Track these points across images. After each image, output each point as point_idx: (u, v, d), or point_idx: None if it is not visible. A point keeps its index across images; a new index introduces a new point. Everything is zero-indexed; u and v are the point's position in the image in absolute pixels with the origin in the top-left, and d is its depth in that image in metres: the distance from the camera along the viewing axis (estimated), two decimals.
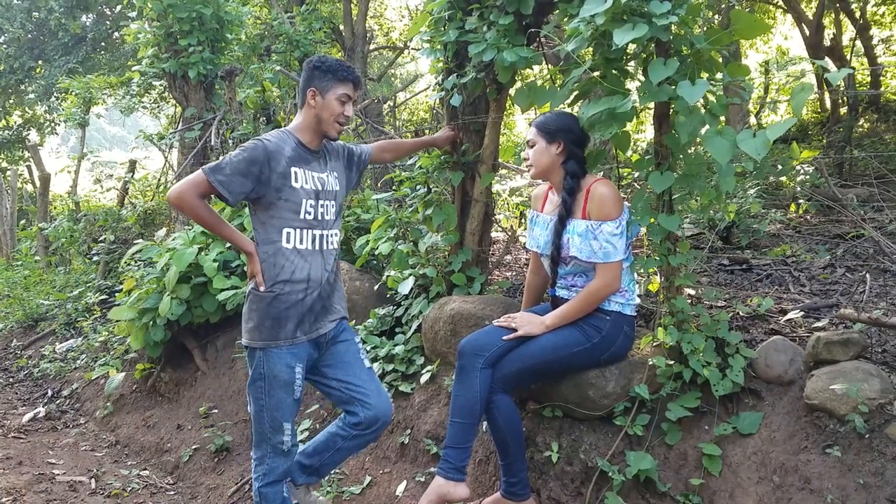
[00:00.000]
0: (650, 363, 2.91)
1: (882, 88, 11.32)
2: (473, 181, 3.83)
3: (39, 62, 15.16)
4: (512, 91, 3.55)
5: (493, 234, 4.99)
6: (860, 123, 10.22)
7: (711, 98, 2.60)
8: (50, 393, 6.40)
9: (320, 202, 2.83)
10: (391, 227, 4.43)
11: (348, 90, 2.79)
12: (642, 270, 3.09)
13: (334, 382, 2.93)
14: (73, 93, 10.47)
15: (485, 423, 3.14)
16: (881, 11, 11.74)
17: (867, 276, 3.40)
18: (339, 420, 2.98)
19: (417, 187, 4.14)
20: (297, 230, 2.77)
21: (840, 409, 2.53)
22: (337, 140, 2.94)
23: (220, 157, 2.73)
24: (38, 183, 11.15)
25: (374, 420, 2.87)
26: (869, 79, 11.22)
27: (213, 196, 2.72)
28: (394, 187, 4.51)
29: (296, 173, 2.75)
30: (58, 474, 4.42)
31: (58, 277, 9.12)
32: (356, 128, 7.43)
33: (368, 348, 4.08)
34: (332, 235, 2.90)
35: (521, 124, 11.08)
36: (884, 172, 6.31)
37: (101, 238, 8.40)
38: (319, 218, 2.83)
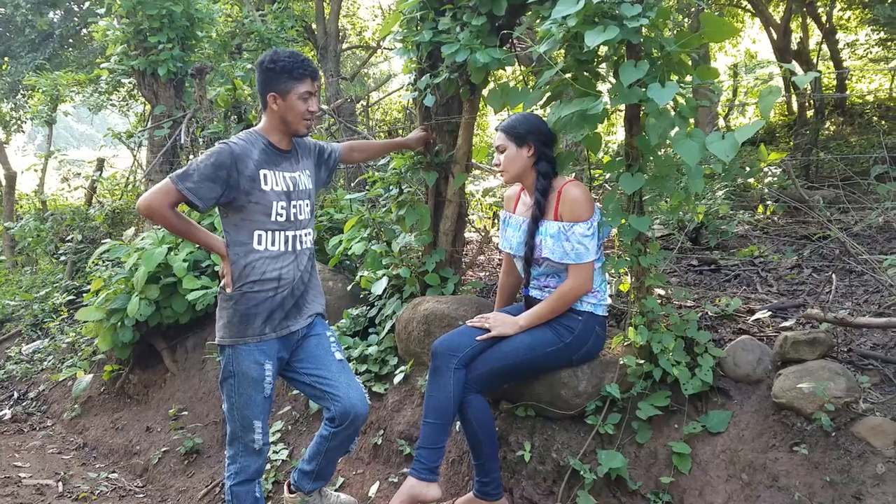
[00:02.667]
0: (621, 362, 2.94)
1: (848, 92, 11.53)
2: (447, 182, 3.83)
3: (6, 58, 14.89)
4: (485, 92, 3.55)
5: (467, 235, 4.99)
6: (826, 126, 10.40)
7: (681, 100, 2.63)
8: (16, 395, 6.28)
9: (293, 203, 2.80)
10: (364, 228, 4.41)
11: (307, 86, 2.73)
12: (613, 271, 3.12)
13: (305, 377, 2.89)
14: (41, 90, 10.29)
15: (458, 423, 3.14)
16: (847, 16, 11.96)
17: (833, 276, 3.46)
18: (323, 421, 2.96)
19: (390, 188, 4.13)
20: (269, 232, 2.74)
21: (807, 408, 2.57)
22: (307, 136, 2.92)
23: (188, 162, 2.69)
24: (3, 182, 10.94)
25: (346, 414, 2.79)
26: (835, 82, 11.42)
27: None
28: (367, 187, 4.49)
29: (265, 176, 2.72)
30: (24, 477, 4.35)
31: (24, 278, 8.97)
32: (329, 127, 7.39)
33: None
34: (305, 235, 2.88)
35: (494, 125, 11.10)
36: (849, 174, 6.41)
37: (69, 238, 8.27)
38: (292, 219, 2.80)
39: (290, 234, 2.80)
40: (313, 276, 2.99)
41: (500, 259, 5.28)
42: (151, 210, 2.64)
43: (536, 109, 3.12)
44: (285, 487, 3.14)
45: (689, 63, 2.73)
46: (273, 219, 2.74)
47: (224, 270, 2.79)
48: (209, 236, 2.82)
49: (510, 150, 2.94)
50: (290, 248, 2.80)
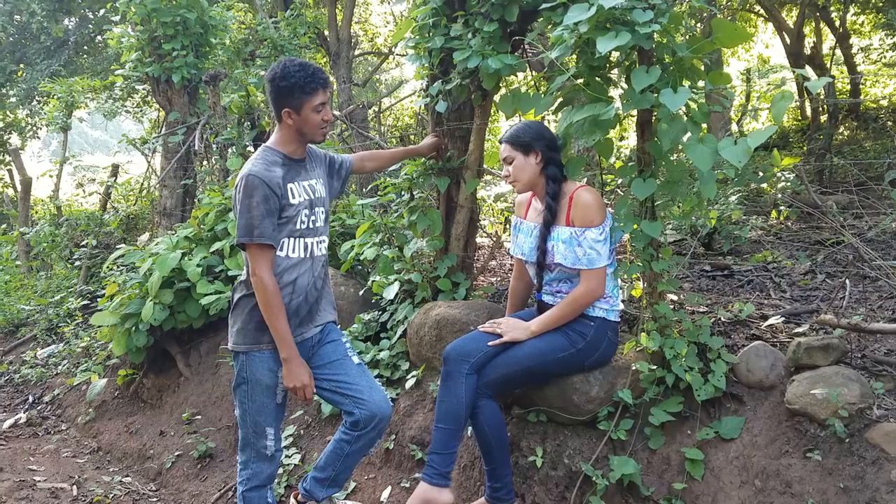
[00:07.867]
0: (633, 368, 2.93)
1: (861, 97, 11.46)
2: (458, 187, 3.85)
3: (21, 65, 15.02)
4: (497, 97, 3.56)
5: (478, 240, 5.00)
6: (840, 131, 10.34)
7: (693, 106, 2.63)
8: (31, 399, 6.33)
9: (314, 209, 2.83)
10: (376, 233, 4.43)
11: (321, 98, 2.73)
12: (626, 276, 3.12)
13: (325, 383, 2.91)
14: (56, 96, 10.37)
15: (470, 429, 3.15)
16: (860, 21, 11.91)
17: (847, 282, 3.43)
18: (341, 425, 2.97)
19: (402, 193, 4.15)
20: (290, 239, 2.77)
21: (820, 414, 2.56)
22: (322, 142, 2.93)
23: (238, 218, 2.67)
24: (19, 187, 11.04)
25: (371, 417, 2.82)
26: (849, 87, 11.36)
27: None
28: (379, 192, 4.51)
29: (291, 189, 2.75)
30: (39, 481, 4.38)
31: (39, 282, 9.03)
32: (341, 132, 7.42)
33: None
34: (321, 242, 2.90)
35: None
36: (863, 179, 6.37)
37: (83, 243, 8.31)
38: (311, 226, 2.83)
39: (309, 240, 2.82)
40: (326, 284, 3.01)
41: (511, 264, 5.28)
42: (263, 283, 2.63)
43: (548, 115, 3.12)
44: (292, 499, 3.13)
45: (702, 68, 2.73)
46: (297, 227, 2.77)
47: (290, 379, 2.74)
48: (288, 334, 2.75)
49: (518, 160, 2.95)
50: (307, 255, 2.82)
